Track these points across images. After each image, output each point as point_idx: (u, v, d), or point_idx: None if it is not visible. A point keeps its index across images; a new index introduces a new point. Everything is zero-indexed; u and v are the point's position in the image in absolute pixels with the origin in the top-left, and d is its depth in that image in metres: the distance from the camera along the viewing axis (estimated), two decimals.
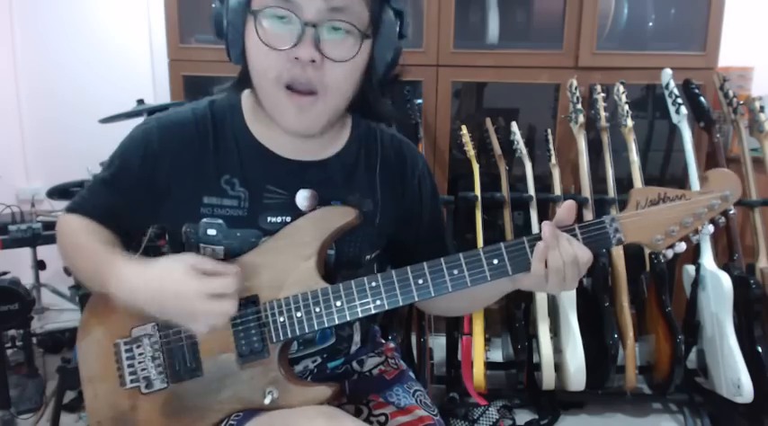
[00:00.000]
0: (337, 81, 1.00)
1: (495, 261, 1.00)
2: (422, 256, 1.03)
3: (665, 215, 0.97)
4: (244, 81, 1.07)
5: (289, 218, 1.09)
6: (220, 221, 1.08)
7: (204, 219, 1.09)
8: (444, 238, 1.29)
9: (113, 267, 1.04)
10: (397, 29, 1.04)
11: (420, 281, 1.01)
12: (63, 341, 2.77)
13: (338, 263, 1.14)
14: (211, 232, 1.09)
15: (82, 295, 2.37)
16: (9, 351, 2.43)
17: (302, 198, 1.11)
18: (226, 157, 1.10)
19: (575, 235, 0.98)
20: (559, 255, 0.96)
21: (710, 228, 0.97)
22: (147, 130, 1.11)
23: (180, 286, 0.97)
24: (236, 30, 1.00)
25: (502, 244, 1.00)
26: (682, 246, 0.99)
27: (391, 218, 1.19)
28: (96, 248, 1.10)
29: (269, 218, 1.09)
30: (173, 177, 1.09)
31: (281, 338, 1.04)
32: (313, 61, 0.96)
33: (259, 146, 1.10)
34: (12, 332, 2.40)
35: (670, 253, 0.99)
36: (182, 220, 1.11)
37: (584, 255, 0.97)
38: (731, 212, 0.97)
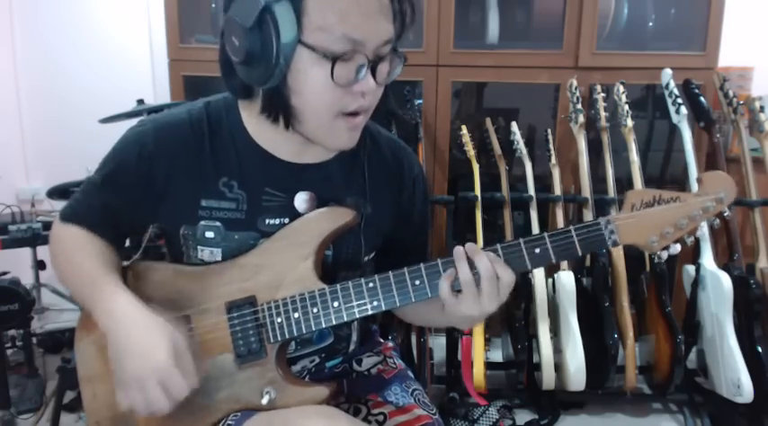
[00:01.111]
0: (377, 99, 1.04)
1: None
2: (404, 258, 1.04)
3: (660, 217, 0.97)
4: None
5: (287, 220, 1.10)
6: (218, 224, 1.08)
7: (202, 222, 1.09)
8: (427, 244, 1.30)
9: (103, 292, 1.05)
10: None
11: (417, 282, 1.01)
12: (63, 341, 2.77)
13: (336, 264, 1.14)
14: (209, 234, 1.09)
15: None
16: (9, 351, 2.44)
17: (301, 200, 1.11)
18: (223, 159, 1.09)
19: (570, 237, 0.98)
20: (468, 270, 0.97)
21: (705, 229, 0.97)
22: (142, 132, 1.09)
23: (159, 344, 0.97)
24: (286, 64, 0.95)
25: (498, 246, 1.00)
26: (677, 248, 0.99)
27: (388, 220, 1.19)
28: (88, 266, 1.09)
29: (267, 221, 1.10)
30: (169, 179, 1.08)
31: (279, 338, 1.04)
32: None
33: (257, 148, 1.10)
34: (12, 332, 2.40)
35: (665, 255, 1.00)
36: (179, 222, 1.10)
37: (506, 276, 0.98)
38: (726, 214, 0.97)
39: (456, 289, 0.99)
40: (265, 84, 0.97)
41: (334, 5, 0.91)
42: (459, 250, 0.99)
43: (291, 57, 0.94)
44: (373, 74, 0.97)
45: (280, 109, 1.01)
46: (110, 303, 1.03)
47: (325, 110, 0.99)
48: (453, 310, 1.00)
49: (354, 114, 1.01)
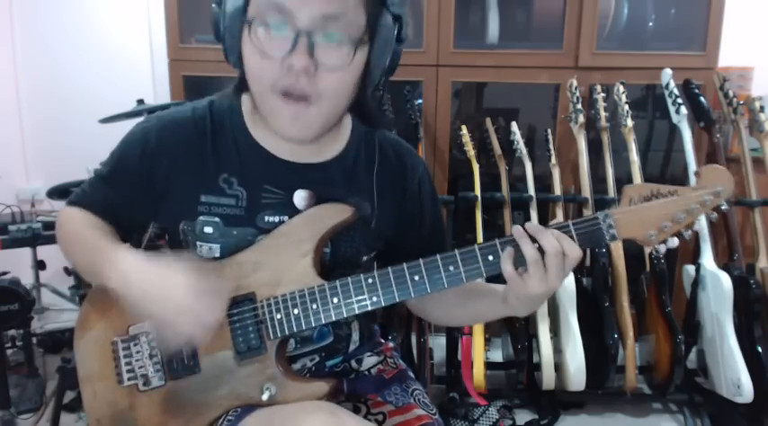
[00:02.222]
0: (331, 88, 0.99)
1: (491, 257, 1.00)
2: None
3: (658, 210, 0.97)
4: (242, 85, 1.06)
5: (286, 218, 1.10)
6: (217, 219, 1.09)
7: (201, 217, 1.09)
8: (444, 242, 1.29)
9: (110, 254, 1.04)
10: (395, 33, 1.02)
11: (416, 277, 1.01)
12: (63, 341, 2.77)
13: (334, 262, 1.14)
14: (208, 230, 1.09)
15: (82, 295, 2.38)
16: (9, 351, 2.44)
17: (300, 198, 1.11)
18: (224, 156, 1.10)
19: (569, 232, 0.98)
20: (532, 248, 0.96)
21: (704, 224, 0.98)
22: (147, 128, 1.11)
23: (175, 281, 0.96)
24: (233, 36, 1.00)
25: (497, 240, 1.00)
26: (674, 242, 0.99)
27: (390, 221, 1.19)
28: (94, 237, 1.10)
29: (266, 218, 1.10)
30: (171, 175, 1.09)
31: (279, 335, 1.04)
32: (307, 69, 0.95)
33: (258, 146, 1.11)
34: (12, 332, 2.40)
35: (663, 249, 0.99)
36: (179, 218, 1.11)
37: (574, 251, 0.96)
38: (723, 207, 0.97)
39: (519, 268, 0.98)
40: (228, 58, 1.02)
41: None
42: (518, 229, 0.97)
43: (239, 29, 0.99)
44: (310, 50, 0.94)
45: (240, 84, 1.05)
46: (118, 256, 1.03)
47: (258, 81, 1.00)
48: (519, 291, 0.99)
49: (290, 96, 0.98)
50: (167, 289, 0.96)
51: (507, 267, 0.98)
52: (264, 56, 0.96)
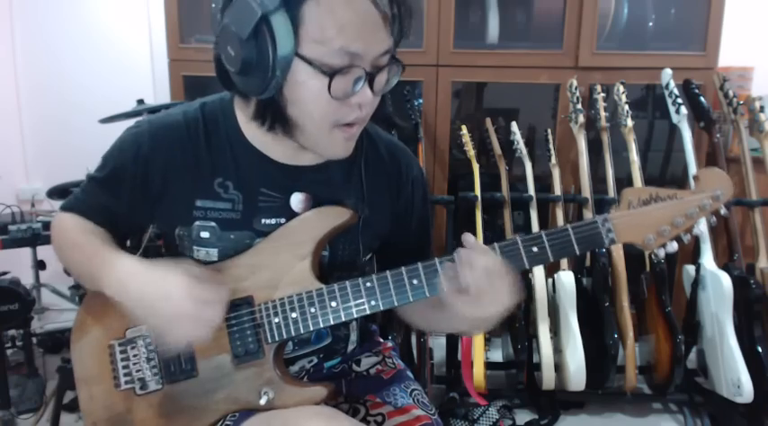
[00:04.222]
0: (374, 108, 1.03)
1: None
2: (406, 259, 1.04)
3: (657, 214, 0.97)
4: (277, 116, 1.02)
5: (283, 220, 1.10)
6: (213, 224, 1.09)
7: (197, 222, 1.09)
8: (429, 244, 1.29)
9: (107, 261, 1.04)
10: None
11: (415, 282, 1.01)
12: (63, 341, 2.77)
13: (332, 264, 1.14)
14: (204, 234, 1.09)
15: (82, 295, 2.37)
16: (9, 351, 2.44)
17: (296, 201, 1.11)
18: (219, 160, 1.09)
19: (567, 235, 0.98)
20: (469, 272, 0.95)
21: (704, 227, 0.97)
22: (139, 133, 1.10)
23: (172, 287, 0.96)
24: (282, 77, 0.94)
25: (495, 245, 1.00)
26: (674, 246, 0.99)
27: (386, 221, 1.19)
28: (90, 243, 1.10)
29: (263, 221, 1.10)
30: (165, 180, 1.09)
31: (277, 338, 1.04)
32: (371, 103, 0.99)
33: (252, 149, 1.10)
34: (12, 332, 2.41)
35: (662, 253, 0.99)
36: (175, 223, 1.11)
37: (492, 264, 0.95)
38: (723, 212, 0.97)
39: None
40: (261, 94, 0.96)
41: (332, 18, 0.90)
42: (460, 251, 0.97)
43: (288, 69, 0.93)
44: (371, 85, 0.96)
45: (275, 119, 1.01)
46: (115, 263, 1.03)
47: (321, 121, 0.98)
48: (454, 309, 0.98)
49: (350, 124, 1.01)
50: (164, 296, 0.96)
51: (443, 283, 0.98)
52: (331, 98, 0.94)
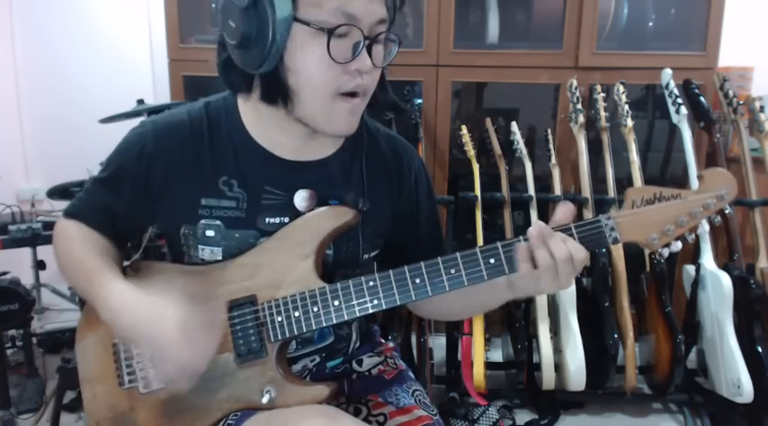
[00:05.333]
0: (375, 82, 1.04)
1: (492, 260, 1.00)
2: (421, 257, 1.03)
3: (661, 214, 0.97)
4: (273, 92, 1.03)
5: (287, 219, 1.10)
6: (218, 222, 1.09)
7: (202, 221, 1.09)
8: (442, 239, 1.30)
9: (103, 289, 1.05)
10: None
11: (417, 281, 1.01)
12: (63, 341, 2.78)
13: (336, 263, 1.14)
14: (209, 233, 1.09)
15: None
16: (9, 351, 2.43)
17: (300, 198, 1.11)
18: (223, 159, 1.10)
19: (570, 234, 0.98)
20: (547, 254, 0.95)
21: (706, 227, 0.97)
22: (143, 133, 1.10)
23: (165, 317, 0.97)
24: (281, 43, 0.95)
25: (498, 243, 1.00)
26: (677, 245, 0.99)
27: (388, 217, 1.19)
28: (90, 263, 1.10)
29: (267, 219, 1.10)
30: (169, 179, 1.09)
31: (279, 337, 1.04)
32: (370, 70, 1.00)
33: (256, 146, 1.11)
34: (12, 332, 2.40)
35: (666, 252, 1.00)
36: (180, 222, 1.11)
37: (580, 253, 0.96)
38: (727, 211, 0.97)
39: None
40: (262, 65, 0.97)
41: None
42: (534, 234, 0.97)
43: (287, 34, 0.95)
44: (369, 54, 0.98)
45: (278, 92, 1.01)
46: (108, 300, 1.03)
47: (322, 88, 0.99)
48: (529, 287, 1.00)
49: (352, 95, 1.01)
50: (157, 326, 0.97)
51: (524, 265, 0.98)
52: (332, 62, 0.96)
